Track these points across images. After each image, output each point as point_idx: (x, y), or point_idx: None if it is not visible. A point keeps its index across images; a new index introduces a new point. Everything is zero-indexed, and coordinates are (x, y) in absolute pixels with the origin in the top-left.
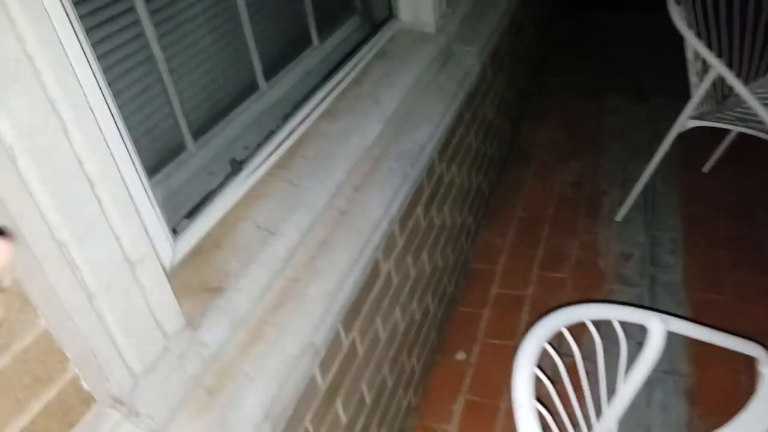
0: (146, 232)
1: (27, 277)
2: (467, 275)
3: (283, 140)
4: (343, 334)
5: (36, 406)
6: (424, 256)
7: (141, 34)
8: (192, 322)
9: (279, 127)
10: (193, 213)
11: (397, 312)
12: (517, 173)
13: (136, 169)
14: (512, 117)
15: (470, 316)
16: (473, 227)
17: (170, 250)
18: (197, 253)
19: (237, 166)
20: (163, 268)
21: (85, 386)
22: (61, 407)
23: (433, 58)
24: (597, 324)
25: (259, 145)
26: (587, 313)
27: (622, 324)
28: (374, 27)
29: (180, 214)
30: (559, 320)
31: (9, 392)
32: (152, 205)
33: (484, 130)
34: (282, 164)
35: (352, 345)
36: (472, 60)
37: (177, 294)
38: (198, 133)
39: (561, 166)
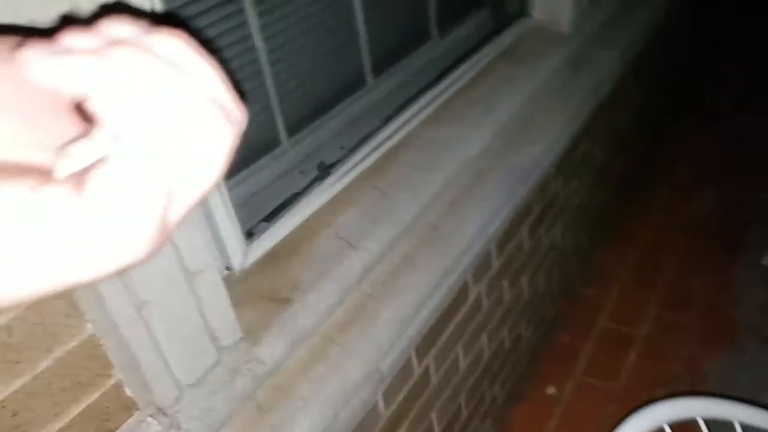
0: (212, 240)
1: None
2: (573, 301)
3: (380, 144)
4: (415, 361)
5: (75, 410)
6: (524, 279)
7: (244, 24)
8: (251, 335)
9: (378, 129)
10: (273, 215)
11: (484, 339)
12: (649, 193)
13: None
14: (650, 129)
15: (569, 347)
16: (588, 249)
17: (241, 255)
18: (273, 257)
19: (325, 171)
20: (228, 276)
21: (128, 392)
22: (101, 412)
23: (564, 63)
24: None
25: (354, 148)
26: (700, 408)
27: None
28: (502, 24)
29: (261, 214)
30: (661, 414)
31: (46, 395)
32: (226, 207)
33: (614, 144)
34: (376, 169)
35: (425, 373)
36: (610, 66)
37: (242, 301)
38: (294, 128)
39: (702, 189)
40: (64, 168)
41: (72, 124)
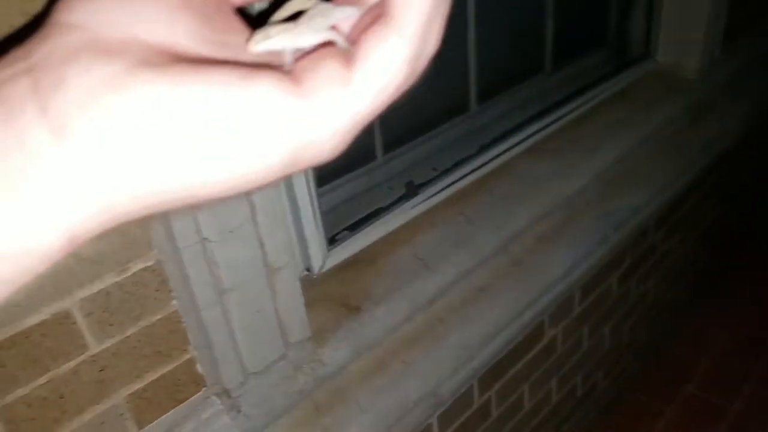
0: (297, 241)
1: (168, 260)
2: (660, 360)
3: (473, 170)
4: (476, 392)
5: (152, 376)
6: (606, 329)
7: None
8: (318, 336)
9: (474, 155)
10: (356, 225)
11: (553, 383)
12: (764, 257)
13: (308, 179)
14: None
15: (648, 408)
16: (684, 307)
17: (321, 259)
18: (351, 264)
19: (413, 190)
20: (306, 277)
21: (199, 370)
22: (174, 382)
23: (683, 111)
24: None
25: (446, 171)
26: None
27: None
28: (622, 64)
29: (346, 222)
30: None
31: (130, 358)
32: (314, 212)
33: (729, 202)
34: (464, 195)
35: (485, 405)
36: (735, 120)
37: (315, 302)
38: (391, 144)
39: None
40: (280, 49)
41: (244, 28)
